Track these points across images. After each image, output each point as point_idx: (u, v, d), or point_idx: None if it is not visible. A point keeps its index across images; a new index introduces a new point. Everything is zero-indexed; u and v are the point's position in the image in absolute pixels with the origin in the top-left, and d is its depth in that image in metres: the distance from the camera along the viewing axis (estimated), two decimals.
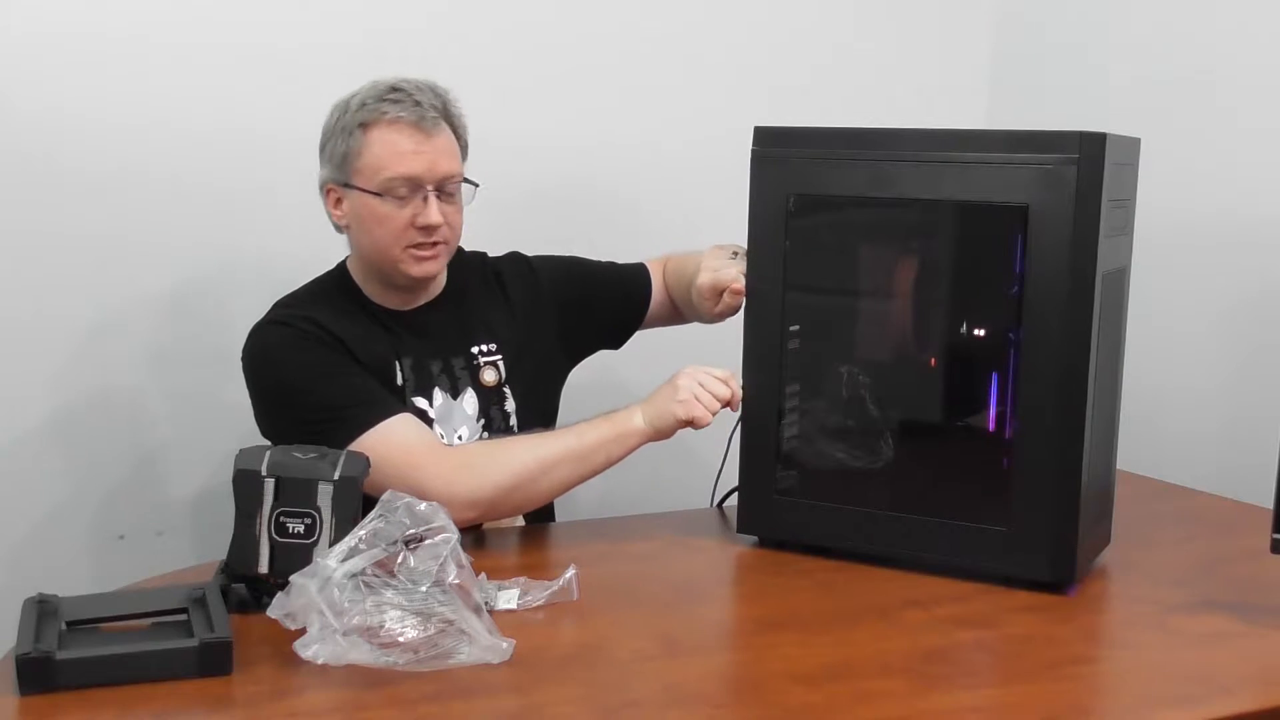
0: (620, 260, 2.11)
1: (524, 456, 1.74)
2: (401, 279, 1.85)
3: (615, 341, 2.11)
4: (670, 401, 1.74)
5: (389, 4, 2.25)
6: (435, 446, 1.75)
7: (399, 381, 1.84)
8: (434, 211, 1.79)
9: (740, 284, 1.80)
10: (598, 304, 2.05)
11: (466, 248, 1.96)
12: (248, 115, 2.16)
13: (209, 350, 2.19)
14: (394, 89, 1.79)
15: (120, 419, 2.18)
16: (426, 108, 1.79)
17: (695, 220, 2.44)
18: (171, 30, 2.11)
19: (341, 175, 1.81)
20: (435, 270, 1.85)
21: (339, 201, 1.83)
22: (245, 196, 2.18)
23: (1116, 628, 1.62)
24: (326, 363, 1.77)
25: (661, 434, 1.77)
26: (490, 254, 2.03)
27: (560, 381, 2.04)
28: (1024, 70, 2.64)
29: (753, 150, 1.73)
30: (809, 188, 1.71)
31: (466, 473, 1.71)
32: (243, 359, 1.82)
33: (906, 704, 1.33)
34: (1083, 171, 1.55)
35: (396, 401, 1.78)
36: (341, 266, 1.92)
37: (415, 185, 1.79)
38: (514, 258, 2.04)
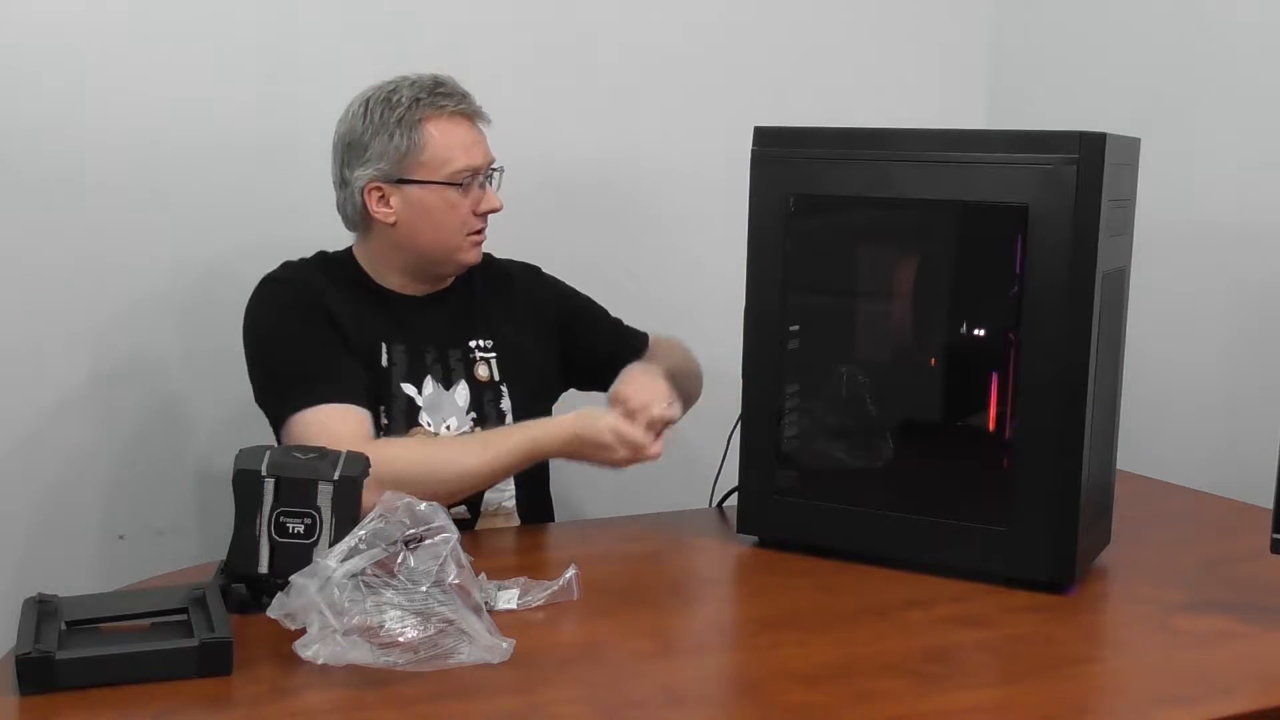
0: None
1: (434, 467, 1.73)
2: (452, 268, 1.91)
3: (587, 386, 2.06)
4: (598, 459, 1.77)
5: (390, 6, 2.25)
6: (358, 441, 1.66)
7: (384, 363, 1.85)
8: (494, 196, 1.88)
9: (656, 415, 1.76)
10: (586, 348, 2.03)
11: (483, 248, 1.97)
12: (248, 117, 2.16)
13: (209, 350, 2.18)
14: (439, 83, 1.84)
15: (120, 419, 2.17)
16: (471, 100, 1.86)
17: (695, 220, 2.45)
18: (188, 23, 2.12)
19: (397, 171, 1.81)
20: (480, 255, 1.91)
21: (384, 199, 1.83)
22: (246, 197, 2.18)
23: (1116, 628, 1.62)
24: (306, 328, 1.81)
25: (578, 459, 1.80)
26: (495, 255, 2.03)
27: (555, 394, 2.03)
28: (1024, 70, 2.63)
29: (753, 150, 1.73)
30: (809, 188, 1.71)
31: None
32: (246, 308, 1.87)
33: (906, 704, 1.33)
34: (1083, 171, 1.55)
35: (357, 390, 1.77)
36: (347, 252, 1.93)
37: (475, 174, 1.84)
38: (528, 267, 2.06)
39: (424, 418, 1.86)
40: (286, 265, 1.89)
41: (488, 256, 2.00)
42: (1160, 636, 1.52)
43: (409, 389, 1.86)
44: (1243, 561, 1.73)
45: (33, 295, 2.08)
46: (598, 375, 1.98)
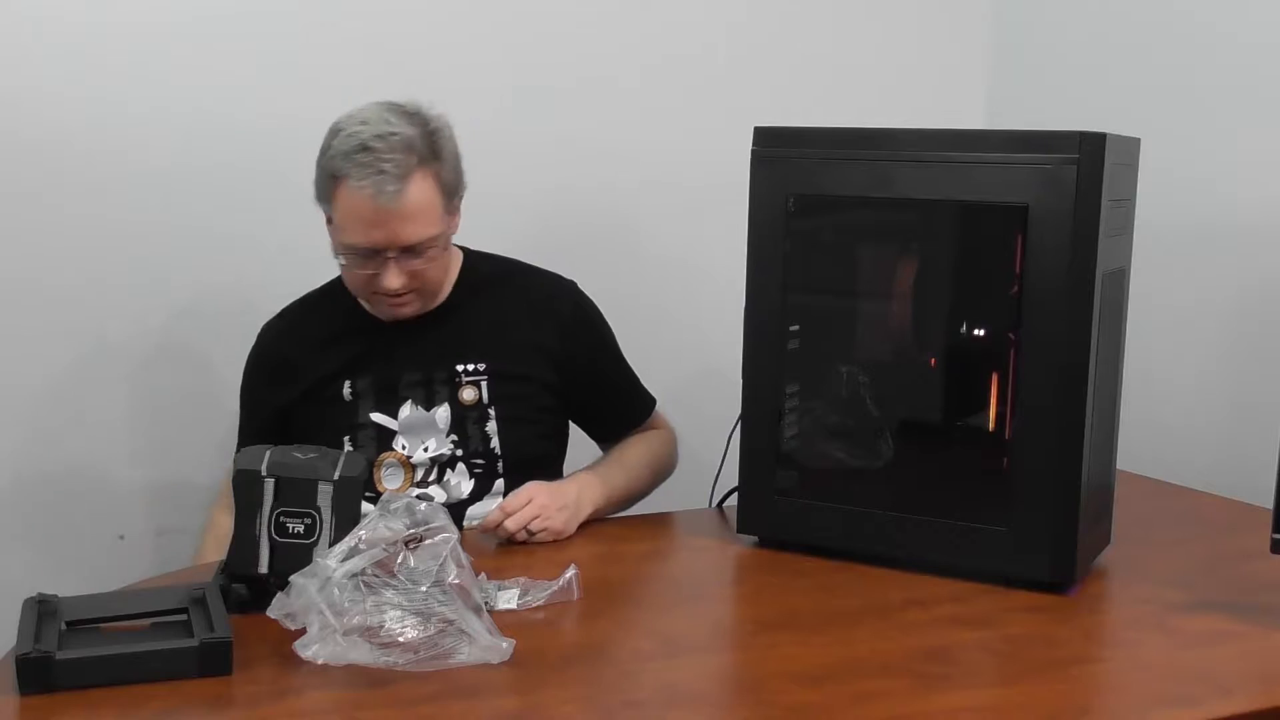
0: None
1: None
2: (379, 314, 1.89)
3: (580, 426, 2.03)
4: None
5: (390, 6, 2.25)
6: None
7: (347, 396, 1.87)
8: (391, 278, 1.78)
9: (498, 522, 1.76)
10: (590, 399, 1.97)
11: (485, 249, 1.97)
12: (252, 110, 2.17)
13: (210, 350, 2.19)
14: (364, 148, 1.73)
15: (120, 419, 2.17)
16: (390, 176, 1.72)
17: (695, 221, 2.45)
18: (194, 25, 2.12)
19: (325, 210, 1.81)
20: (411, 314, 1.87)
21: (329, 221, 1.82)
22: (251, 200, 2.18)
23: (1116, 628, 1.62)
24: (246, 396, 1.96)
25: None
26: (527, 263, 1.99)
27: (547, 425, 1.95)
28: (1024, 70, 2.63)
29: (753, 150, 1.73)
30: (809, 188, 1.71)
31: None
32: None
33: (906, 704, 1.33)
34: (1083, 171, 1.55)
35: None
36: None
37: (372, 252, 1.77)
38: (564, 285, 1.98)
39: (399, 441, 1.86)
40: (269, 324, 1.96)
41: (515, 263, 1.97)
42: (1160, 636, 1.52)
43: (379, 418, 1.87)
44: (1243, 561, 1.73)
45: (33, 296, 2.09)
46: (590, 427, 2.00)
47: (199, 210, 2.16)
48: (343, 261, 1.81)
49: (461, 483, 1.88)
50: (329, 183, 1.77)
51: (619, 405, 2.01)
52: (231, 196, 2.17)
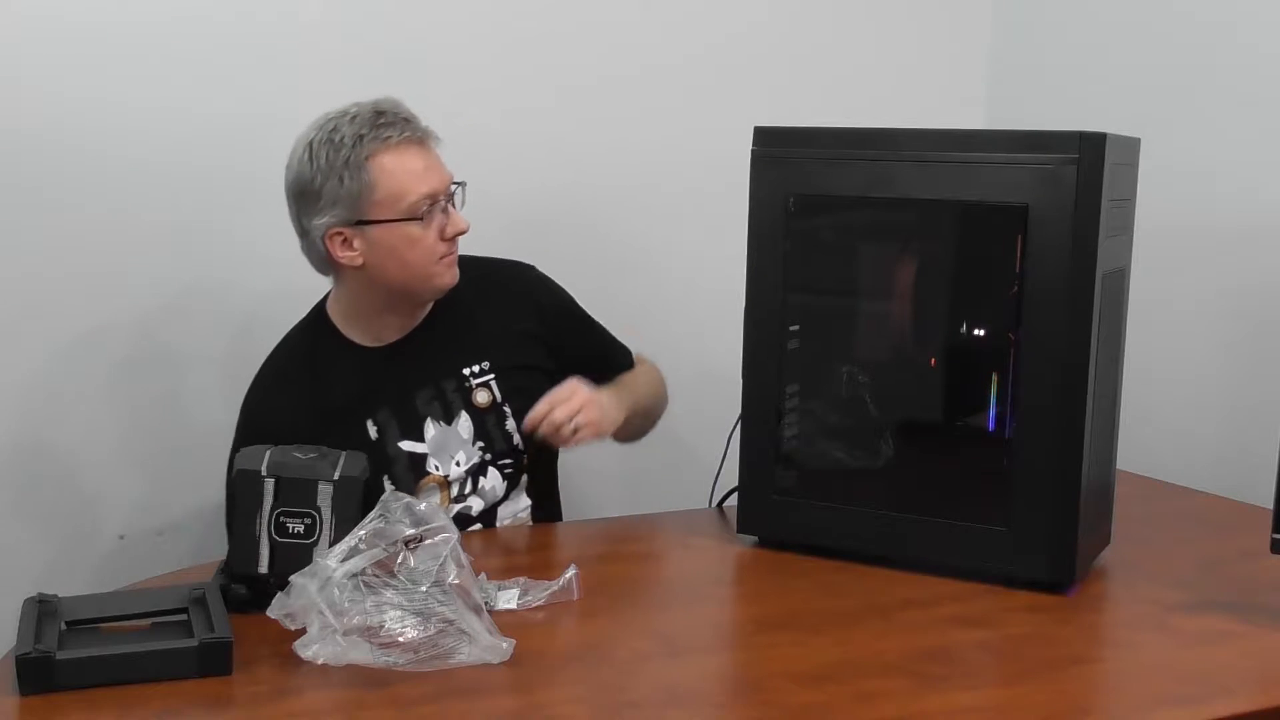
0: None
1: None
2: (430, 294, 1.85)
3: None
4: None
5: (390, 6, 2.25)
6: None
7: (373, 437, 1.83)
8: (459, 219, 1.81)
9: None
10: (574, 356, 1.97)
11: (485, 250, 1.96)
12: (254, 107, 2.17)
13: (211, 350, 2.19)
14: (379, 113, 1.76)
15: (120, 419, 2.17)
16: (416, 123, 1.78)
17: (695, 221, 2.45)
18: (194, 25, 2.12)
19: (354, 214, 1.75)
20: (457, 273, 1.85)
21: (347, 242, 1.77)
22: (247, 199, 2.18)
23: (1116, 628, 1.62)
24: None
25: None
26: (479, 255, 1.99)
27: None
28: (1024, 70, 2.63)
29: (753, 150, 1.73)
30: (809, 188, 1.71)
31: None
32: None
33: (906, 704, 1.33)
34: (1083, 171, 1.55)
35: None
36: (318, 310, 1.90)
37: (434, 200, 1.78)
38: (520, 266, 2.00)
39: (431, 464, 1.85)
40: (260, 372, 1.87)
41: (474, 259, 1.96)
42: (1160, 636, 1.52)
43: (407, 445, 1.84)
44: (1243, 561, 1.73)
45: (33, 296, 2.09)
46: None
47: (200, 210, 2.16)
48: (414, 232, 1.76)
49: (495, 485, 1.88)
50: (363, 168, 1.73)
51: (607, 364, 2.01)
52: (232, 197, 2.17)
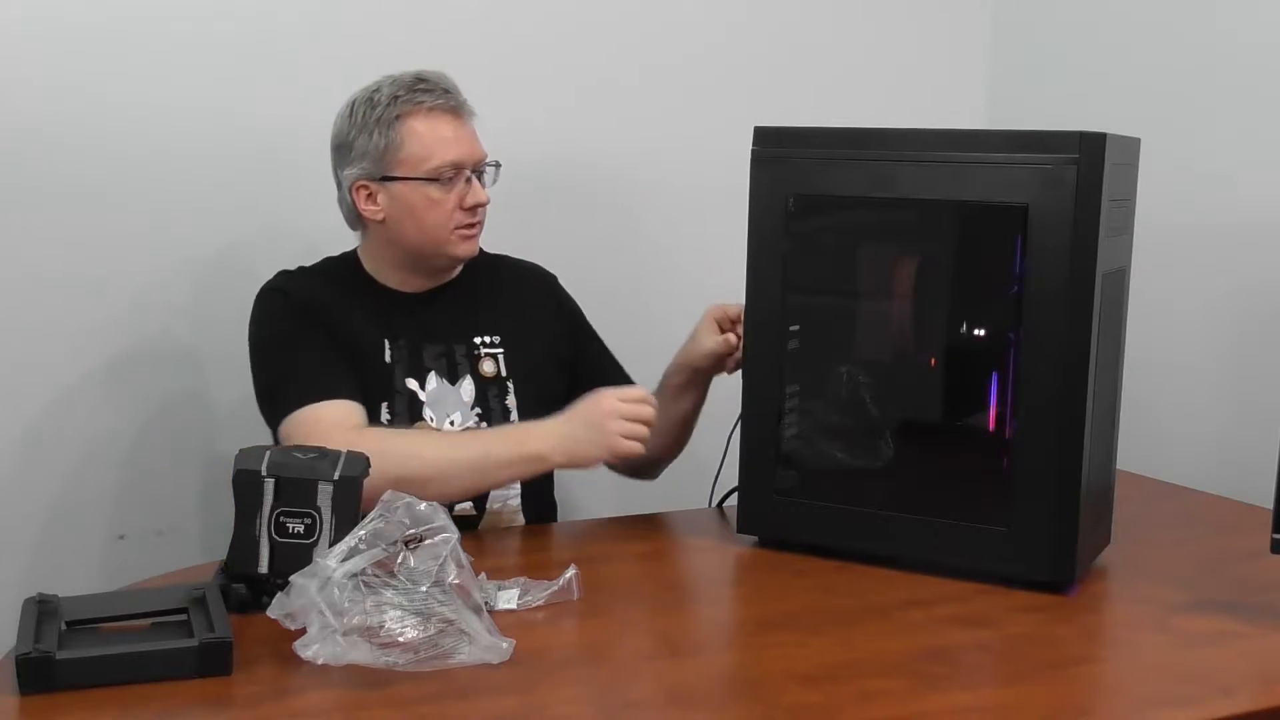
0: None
1: (431, 454, 1.73)
2: (445, 261, 1.90)
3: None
4: (595, 446, 1.74)
5: (390, 6, 2.25)
6: (351, 429, 1.72)
7: (387, 359, 1.87)
8: (480, 190, 1.86)
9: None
10: (585, 375, 1.97)
11: (486, 250, 1.97)
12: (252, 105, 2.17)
13: (211, 350, 2.19)
14: (420, 79, 1.84)
15: (120, 419, 2.17)
16: (454, 94, 1.85)
17: (695, 220, 2.45)
18: (194, 23, 2.12)
19: (379, 169, 1.83)
20: (476, 249, 1.90)
21: (371, 197, 1.85)
22: (249, 196, 2.18)
23: (1116, 628, 1.63)
24: (296, 334, 1.83)
25: (580, 468, 1.79)
26: (499, 254, 2.03)
27: (559, 398, 1.93)
28: (1024, 70, 2.63)
29: (753, 150, 1.73)
30: (809, 188, 1.71)
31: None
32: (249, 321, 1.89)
33: (906, 704, 1.33)
34: (1083, 171, 1.55)
35: (349, 387, 1.79)
36: (352, 253, 1.96)
37: (459, 169, 1.84)
38: (545, 275, 2.06)
39: (427, 413, 1.87)
40: (282, 274, 1.91)
41: (502, 257, 2.02)
42: (1160, 636, 1.52)
43: (411, 384, 1.87)
44: (1243, 561, 1.73)
45: (33, 295, 2.08)
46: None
47: (201, 210, 2.16)
48: (433, 194, 1.82)
49: None
50: (393, 126, 1.81)
51: (607, 383, 1.96)
52: (234, 197, 2.17)
